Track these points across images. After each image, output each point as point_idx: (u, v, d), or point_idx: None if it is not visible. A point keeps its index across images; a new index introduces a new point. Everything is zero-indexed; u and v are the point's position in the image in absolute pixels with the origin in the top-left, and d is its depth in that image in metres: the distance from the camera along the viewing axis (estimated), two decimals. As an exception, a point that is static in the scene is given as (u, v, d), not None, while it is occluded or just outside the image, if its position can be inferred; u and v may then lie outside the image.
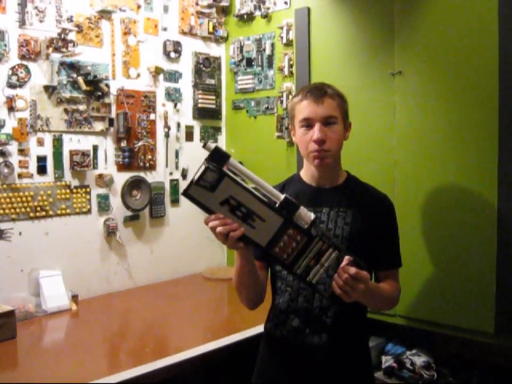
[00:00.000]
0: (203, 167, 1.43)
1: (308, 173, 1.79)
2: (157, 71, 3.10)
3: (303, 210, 1.46)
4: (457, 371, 2.40)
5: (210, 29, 3.37)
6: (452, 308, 2.28)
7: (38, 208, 2.63)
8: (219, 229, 1.44)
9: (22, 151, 2.58)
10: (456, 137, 2.25)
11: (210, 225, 1.45)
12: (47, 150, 2.67)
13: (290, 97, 2.97)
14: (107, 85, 2.85)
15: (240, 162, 3.20)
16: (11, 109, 2.53)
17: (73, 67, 2.72)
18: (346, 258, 1.46)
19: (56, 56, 2.66)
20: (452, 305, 2.27)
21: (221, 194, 1.43)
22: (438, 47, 2.29)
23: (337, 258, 1.47)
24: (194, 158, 3.30)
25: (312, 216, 1.46)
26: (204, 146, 1.43)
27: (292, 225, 1.46)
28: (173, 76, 3.24)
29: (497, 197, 2.13)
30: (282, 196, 1.46)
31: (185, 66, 3.31)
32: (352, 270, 1.44)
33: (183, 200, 3.28)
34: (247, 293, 1.73)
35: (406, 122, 2.40)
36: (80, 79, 2.73)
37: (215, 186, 1.43)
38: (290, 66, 3.06)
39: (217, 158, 1.42)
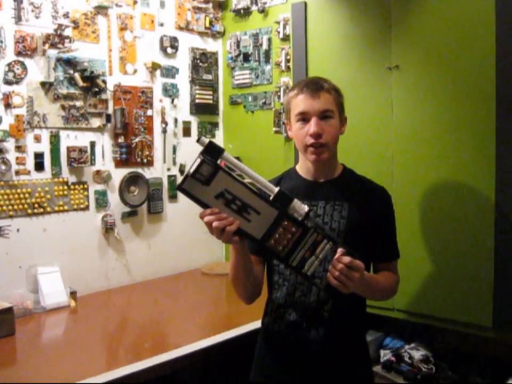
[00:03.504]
0: (198, 161, 1.44)
1: (303, 167, 1.79)
2: (154, 66, 3.10)
3: (297, 202, 1.47)
4: (456, 365, 2.41)
5: (207, 24, 3.37)
6: (450, 301, 2.28)
7: (36, 205, 2.63)
8: (215, 223, 1.44)
9: (19, 148, 2.57)
10: (454, 131, 2.25)
11: (205, 219, 1.45)
12: (44, 147, 2.67)
13: (287, 91, 2.97)
14: (104, 81, 2.84)
15: (238, 158, 3.24)
16: (8, 105, 2.53)
17: (69, 63, 2.71)
18: (340, 250, 1.47)
19: (52, 52, 2.65)
20: (450, 299, 2.28)
21: (216, 187, 1.44)
22: (435, 41, 2.29)
23: (331, 249, 1.48)
24: (191, 153, 3.24)
25: (306, 208, 1.48)
26: (198, 140, 1.44)
27: (287, 217, 1.47)
28: (170, 71, 3.24)
29: (494, 191, 2.13)
30: (276, 189, 1.48)
31: (182, 61, 3.30)
32: (346, 259, 1.45)
33: (181, 196, 3.26)
34: (243, 287, 1.73)
35: (403, 116, 2.40)
36: (77, 75, 2.72)
37: (210, 179, 1.44)
38: (287, 61, 3.06)
39: (212, 151, 1.44)
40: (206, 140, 1.43)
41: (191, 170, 1.43)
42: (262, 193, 1.48)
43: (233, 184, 1.45)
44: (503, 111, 2.09)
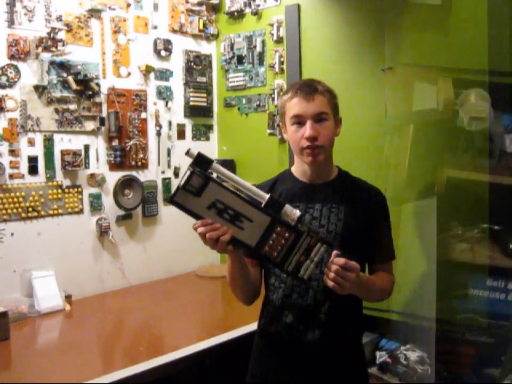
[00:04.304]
0: (188, 172, 1.46)
1: (299, 169, 1.78)
2: (148, 69, 3.09)
3: (288, 208, 1.48)
4: (451, 366, 2.41)
5: (201, 27, 3.37)
6: (445, 302, 2.28)
7: (30, 209, 2.62)
8: (208, 234, 1.45)
9: (12, 152, 2.56)
10: (448, 132, 2.26)
11: (199, 231, 1.46)
12: (38, 150, 2.66)
13: (281, 94, 2.97)
14: (97, 84, 2.84)
15: (233, 160, 3.24)
16: (1, 109, 2.52)
17: (63, 66, 2.71)
18: (334, 253, 1.48)
19: (45, 56, 2.64)
20: (445, 300, 2.28)
21: (207, 198, 1.46)
22: (428, 43, 2.30)
23: (326, 252, 1.48)
24: (186, 156, 3.29)
25: (298, 213, 1.48)
26: (187, 153, 1.47)
27: (279, 223, 1.48)
28: (164, 74, 3.23)
29: (488, 192, 2.13)
30: (267, 196, 1.48)
31: (176, 64, 3.30)
32: (341, 260, 1.46)
33: (176, 198, 3.27)
34: (241, 291, 1.74)
35: (396, 118, 2.41)
36: (71, 79, 2.72)
37: (201, 191, 1.45)
38: (281, 63, 3.06)
39: (201, 163, 1.46)
40: (195, 152, 1.46)
41: (182, 183, 1.45)
42: (253, 201, 1.48)
43: (224, 193, 1.46)
44: (497, 111, 2.10)
